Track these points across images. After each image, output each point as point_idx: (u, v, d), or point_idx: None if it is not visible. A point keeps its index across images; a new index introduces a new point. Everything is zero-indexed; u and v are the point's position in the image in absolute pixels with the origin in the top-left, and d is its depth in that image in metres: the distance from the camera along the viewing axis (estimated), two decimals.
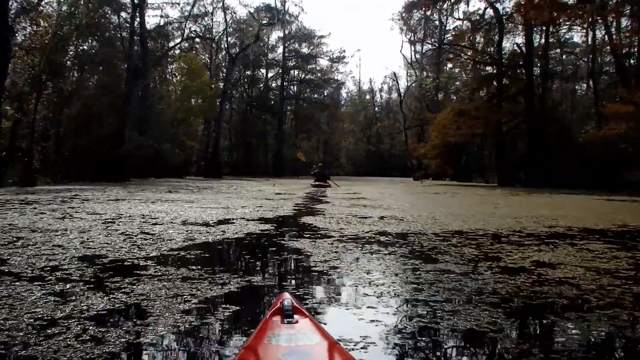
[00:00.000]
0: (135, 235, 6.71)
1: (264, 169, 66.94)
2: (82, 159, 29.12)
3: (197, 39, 60.12)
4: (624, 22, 38.00)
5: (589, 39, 46.21)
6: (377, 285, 4.25)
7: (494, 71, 43.39)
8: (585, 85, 50.02)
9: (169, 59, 50.58)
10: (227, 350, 2.85)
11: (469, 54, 45.71)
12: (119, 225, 7.82)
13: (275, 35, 72.90)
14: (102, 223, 8.00)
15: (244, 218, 9.40)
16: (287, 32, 72.23)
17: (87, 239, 6.30)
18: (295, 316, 2.12)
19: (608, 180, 31.59)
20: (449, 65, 62.91)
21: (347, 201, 15.49)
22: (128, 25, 39.65)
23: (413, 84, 73.30)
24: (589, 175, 33.85)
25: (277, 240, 6.90)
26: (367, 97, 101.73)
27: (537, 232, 8.24)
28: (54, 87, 29.40)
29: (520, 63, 40.35)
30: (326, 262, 5.20)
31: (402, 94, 71.97)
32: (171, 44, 50.35)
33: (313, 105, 78.79)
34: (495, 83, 42.37)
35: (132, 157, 34.52)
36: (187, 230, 7.36)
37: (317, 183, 29.78)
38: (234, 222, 8.66)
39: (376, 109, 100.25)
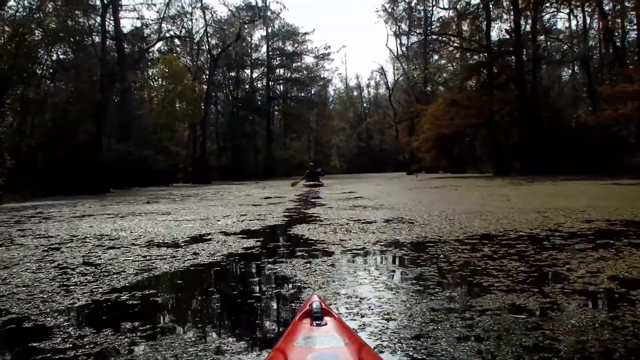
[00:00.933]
0: (74, 269, 5.13)
1: (255, 171, 65.46)
2: (57, 171, 27.37)
3: (177, 40, 59.00)
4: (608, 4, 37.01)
5: (573, 24, 45.29)
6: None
7: (484, 59, 42.13)
8: (570, 70, 48.76)
9: (148, 62, 49.01)
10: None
11: (456, 42, 44.32)
12: (63, 252, 6.26)
13: (258, 34, 71.63)
14: (44, 250, 6.43)
15: (224, 232, 7.86)
16: (270, 30, 70.89)
17: (6, 277, 4.75)
18: (325, 318, 2.10)
19: (606, 164, 30.35)
20: (436, 56, 62.14)
21: (343, 202, 13.98)
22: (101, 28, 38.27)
23: (401, 78, 71.92)
24: (585, 160, 32.66)
25: (261, 263, 5.32)
26: (355, 93, 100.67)
27: (578, 230, 6.79)
28: (20, 95, 27.72)
29: (510, 49, 39.05)
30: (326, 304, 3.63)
31: (391, 88, 70.34)
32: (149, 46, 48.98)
33: (301, 103, 77.46)
34: (485, 71, 41.01)
35: (112, 167, 32.97)
36: (147, 256, 5.79)
37: (309, 183, 28.69)
38: (210, 239, 7.09)
39: (364, 104, 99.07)
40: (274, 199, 16.54)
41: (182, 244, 6.65)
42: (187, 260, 5.49)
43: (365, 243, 6.23)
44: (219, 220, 9.71)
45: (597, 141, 32.55)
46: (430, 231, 7.06)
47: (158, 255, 5.79)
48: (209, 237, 7.32)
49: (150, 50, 49.92)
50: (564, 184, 20.36)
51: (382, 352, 2.67)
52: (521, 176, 31.45)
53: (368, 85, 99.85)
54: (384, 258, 5.37)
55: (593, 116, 33.61)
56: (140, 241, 7.02)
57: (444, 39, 46.77)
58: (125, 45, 43.29)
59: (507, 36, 40.24)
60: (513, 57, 38.92)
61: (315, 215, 10.29)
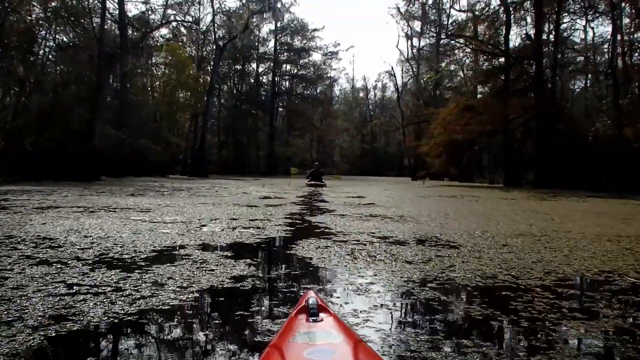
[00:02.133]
0: None
1: (255, 167, 63.96)
2: (47, 155, 25.56)
3: (182, 29, 57.23)
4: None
5: (589, 36, 43.34)
6: None
7: (499, 64, 40.25)
8: (584, 82, 46.67)
9: (151, 48, 47.13)
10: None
11: (473, 45, 42.35)
12: None
13: (267, 28, 69.77)
14: None
15: (205, 245, 5.96)
16: (278, 24, 68.91)
17: None
18: (321, 314, 2.08)
19: (626, 181, 28.52)
20: (447, 60, 60.26)
21: (354, 209, 12.05)
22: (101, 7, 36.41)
23: (410, 80, 70.08)
24: (603, 175, 30.79)
25: (252, 317, 3.30)
26: (361, 94, 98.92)
27: None
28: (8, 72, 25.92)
29: (530, 55, 37.12)
30: None
31: (400, 90, 68.43)
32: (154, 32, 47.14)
33: (305, 101, 75.64)
34: (502, 77, 39.08)
35: (105, 154, 31.18)
36: (78, 284, 3.85)
37: (312, 182, 28.44)
38: (184, 256, 5.18)
39: (370, 106, 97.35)
40: (274, 200, 14.62)
41: (144, 264, 4.71)
42: (138, 300, 3.50)
43: (406, 282, 4.25)
44: (204, 226, 7.79)
45: (617, 157, 30.75)
46: (493, 265, 5.06)
47: (95, 285, 3.82)
48: (185, 252, 5.40)
49: (152, 34, 48.07)
50: (593, 200, 18.42)
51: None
52: (535, 189, 29.59)
53: (375, 87, 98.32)
54: (447, 324, 3.22)
55: (616, 130, 31.81)
56: (88, 254, 5.08)
57: (460, 41, 44.61)
58: (130, 31, 41.61)
59: (527, 41, 38.28)
60: (532, 64, 37.03)
61: (324, 226, 8.34)
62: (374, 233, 7.34)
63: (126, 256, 5.06)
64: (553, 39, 37.00)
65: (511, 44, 40.12)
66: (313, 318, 2.05)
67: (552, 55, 36.99)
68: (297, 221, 9.07)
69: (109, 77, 34.41)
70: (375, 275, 4.48)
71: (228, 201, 13.32)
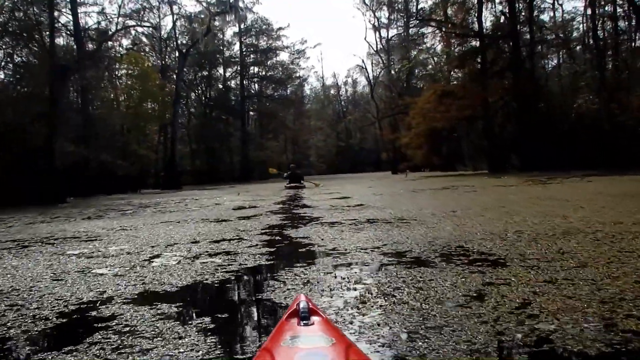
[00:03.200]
0: None
1: (230, 174, 61.96)
2: (2, 179, 23.58)
3: (144, 38, 55.19)
4: None
5: (558, 15, 42.01)
6: None
7: (474, 47, 38.83)
8: (560, 58, 45.18)
9: (110, 59, 44.97)
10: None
11: (445, 29, 40.78)
12: None
13: (231, 31, 67.89)
14: None
15: (146, 293, 4.17)
16: (242, 25, 67.06)
17: None
18: (312, 318, 2.05)
19: (615, 158, 27.26)
20: (419, 48, 58.96)
21: (342, 212, 10.29)
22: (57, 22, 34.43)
23: (382, 72, 68.57)
24: (590, 153, 29.42)
25: None
26: (332, 92, 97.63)
27: None
28: None
29: (505, 35, 35.68)
30: None
31: (372, 83, 66.83)
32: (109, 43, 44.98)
33: (276, 102, 73.82)
34: (479, 59, 37.62)
35: (69, 173, 29.25)
36: None
37: (291, 185, 27.45)
38: (105, 320, 3.36)
39: (342, 103, 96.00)
40: (249, 210, 12.78)
41: (27, 350, 2.94)
42: None
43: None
44: (156, 257, 5.96)
45: (605, 133, 29.44)
46: (585, 296, 3.29)
47: None
48: (110, 312, 3.56)
49: (112, 45, 46.00)
50: (597, 180, 16.89)
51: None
52: (522, 173, 28.11)
53: (345, 83, 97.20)
54: None
55: (601, 105, 30.54)
56: None
57: (432, 25, 42.94)
58: (89, 43, 39.75)
59: (503, 20, 36.86)
60: (508, 43, 35.62)
61: (311, 242, 6.56)
62: (378, 248, 5.59)
63: (11, 331, 3.26)
64: (527, 16, 35.61)
65: (487, 24, 38.82)
66: (304, 322, 2.01)
67: (529, 33, 35.61)
68: (277, 238, 7.24)
69: (66, 91, 32.39)
70: (413, 344, 2.70)
71: (195, 217, 11.50)
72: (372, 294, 3.62)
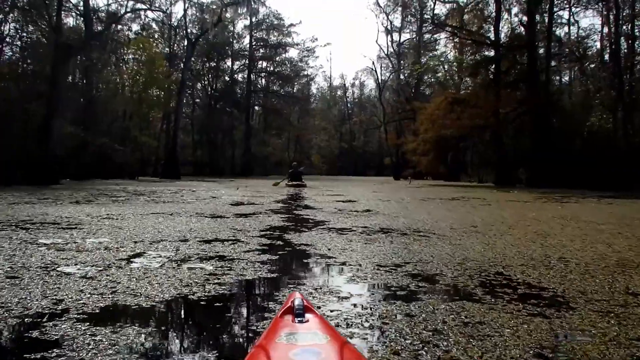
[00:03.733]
0: None
1: (231, 168, 61.20)
2: None
3: (153, 24, 54.30)
4: None
5: (573, 30, 41.03)
6: None
7: (487, 56, 37.95)
8: (572, 74, 44.10)
9: (119, 41, 44.04)
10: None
11: (460, 36, 39.80)
12: None
13: (242, 23, 67.02)
14: None
15: (113, 307, 3.31)
16: (254, 19, 66.19)
17: None
18: (306, 315, 2.04)
19: (631, 181, 26.37)
20: (430, 54, 58.10)
21: (349, 218, 9.38)
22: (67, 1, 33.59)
23: (391, 76, 67.62)
24: (603, 173, 28.44)
25: None
26: (339, 93, 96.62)
27: None
28: None
29: (522, 45, 34.71)
30: None
31: (381, 86, 65.86)
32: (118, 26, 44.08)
33: (282, 99, 72.79)
34: (492, 68, 36.70)
35: (65, 155, 28.49)
36: None
37: (292, 183, 27.44)
38: (43, 351, 2.50)
39: (348, 105, 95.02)
40: (247, 207, 11.87)
41: None
42: None
43: None
44: (137, 256, 5.08)
45: (617, 154, 28.51)
46: None
47: None
48: (61, 334, 2.68)
49: (120, 29, 45.05)
50: (619, 202, 15.96)
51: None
52: (530, 188, 27.23)
53: (353, 85, 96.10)
54: None
55: (619, 125, 29.69)
56: None
57: (446, 32, 41.93)
58: (98, 24, 38.88)
59: (521, 29, 35.92)
60: (524, 54, 34.65)
61: (318, 252, 5.66)
62: (399, 267, 4.70)
63: None
64: (547, 26, 34.66)
65: (503, 34, 37.95)
66: (299, 319, 1.99)
67: (546, 44, 34.67)
68: (278, 243, 6.33)
69: (68, 71, 31.49)
70: None
71: (190, 210, 10.61)
72: (405, 338, 2.73)
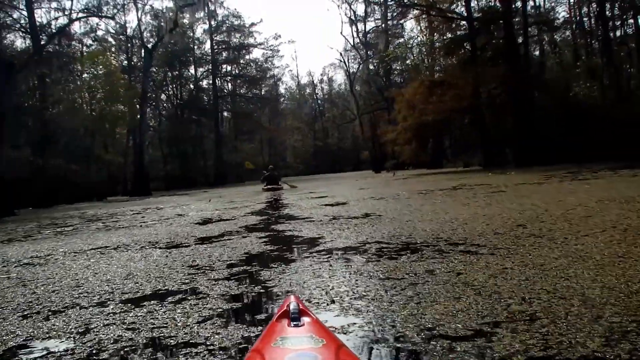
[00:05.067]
0: None
1: (204, 178, 58.76)
2: None
3: (109, 38, 51.99)
4: None
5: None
6: None
7: (460, 35, 35.94)
8: (542, 45, 42.34)
9: (70, 57, 41.55)
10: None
11: (431, 14, 37.61)
12: None
13: (201, 28, 64.83)
14: None
15: None
16: (213, 22, 63.99)
17: None
18: (302, 319, 2.03)
19: (626, 149, 24.46)
20: (398, 41, 56.31)
21: (349, 229, 7.06)
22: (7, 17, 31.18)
23: (360, 67, 65.51)
24: (594, 145, 26.54)
25: None
26: (308, 90, 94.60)
27: None
28: None
29: (496, 17, 32.70)
30: None
31: (352, 78, 63.74)
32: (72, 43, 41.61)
33: (251, 101, 70.40)
34: (468, 46, 34.67)
35: (18, 183, 26.12)
36: None
37: (268, 187, 26.14)
38: None
39: (319, 102, 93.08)
40: (216, 226, 9.51)
41: None
42: None
43: None
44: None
45: (609, 122, 26.60)
46: None
47: None
48: None
49: (70, 40, 42.60)
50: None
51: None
52: (525, 168, 25.21)
53: (321, 82, 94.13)
54: None
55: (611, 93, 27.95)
56: None
57: (418, 9, 39.55)
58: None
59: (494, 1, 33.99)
60: (500, 27, 32.66)
61: (324, 305, 3.42)
62: (492, 335, 2.53)
63: None
64: None
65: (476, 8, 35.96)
66: (295, 323, 2.00)
67: (522, 15, 32.73)
68: (255, 291, 3.99)
69: (13, 91, 28.95)
70: None
71: (142, 238, 8.28)
72: None
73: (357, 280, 3.96)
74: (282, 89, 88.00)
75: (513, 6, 32.36)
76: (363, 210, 9.87)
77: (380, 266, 4.38)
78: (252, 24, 66.99)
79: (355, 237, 6.28)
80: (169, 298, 3.88)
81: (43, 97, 36.04)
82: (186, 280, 4.49)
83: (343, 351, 1.81)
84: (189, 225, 9.90)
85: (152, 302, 3.80)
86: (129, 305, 3.77)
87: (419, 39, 48.16)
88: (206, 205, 17.08)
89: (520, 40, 32.61)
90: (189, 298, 3.84)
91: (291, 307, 2.08)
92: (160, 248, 6.85)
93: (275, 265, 4.90)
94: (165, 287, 4.29)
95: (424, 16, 41.02)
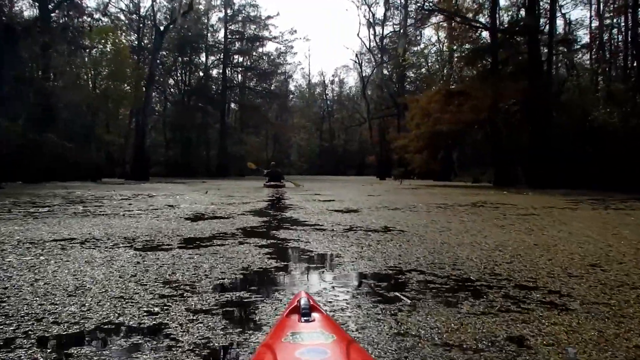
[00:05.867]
0: None
1: (206, 168, 57.63)
2: None
3: (121, 16, 50.67)
4: None
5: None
6: None
7: (482, 45, 34.54)
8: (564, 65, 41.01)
9: (79, 30, 40.15)
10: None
11: (454, 20, 36.19)
12: None
13: (216, 16, 63.48)
14: None
15: None
16: (229, 11, 62.68)
17: None
18: (312, 314, 1.96)
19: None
20: (415, 49, 55.08)
21: (372, 246, 5.70)
22: None
23: (374, 70, 64.28)
24: (614, 171, 25.27)
25: None
26: (318, 90, 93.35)
27: None
28: None
29: (523, 30, 31.29)
30: None
31: (366, 80, 62.44)
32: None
33: (260, 95, 69.01)
34: (490, 59, 33.25)
35: (9, 156, 24.91)
36: None
37: (271, 183, 25.78)
38: None
39: (328, 102, 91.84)
40: (209, 223, 8.11)
41: None
42: None
43: None
44: None
45: (631, 148, 25.31)
46: None
47: None
48: None
49: (81, 15, 41.23)
50: None
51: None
52: (538, 189, 23.95)
53: (332, 83, 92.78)
54: None
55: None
56: None
57: (443, 14, 38.10)
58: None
59: (521, 13, 32.54)
60: (524, 40, 31.29)
61: None
62: None
63: None
64: (549, 9, 31.38)
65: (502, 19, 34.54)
66: (305, 318, 1.93)
67: (549, 30, 31.31)
68: (255, 343, 2.66)
69: (15, 60, 27.63)
70: None
71: (119, 231, 6.93)
72: None
73: (406, 346, 2.60)
74: (292, 86, 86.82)
75: (541, 22, 30.95)
76: (380, 222, 8.51)
77: (435, 319, 3.01)
78: (269, 17, 65.86)
79: (383, 260, 4.91)
80: (118, 341, 2.55)
81: (46, 68, 34.65)
82: (154, 309, 3.15)
83: (353, 347, 1.72)
84: (177, 220, 8.54)
85: (88, 348, 2.46)
86: (50, 352, 2.43)
87: (436, 47, 47.03)
88: (202, 197, 15.74)
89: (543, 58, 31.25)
90: (147, 345, 2.50)
91: (302, 302, 2.00)
92: (134, 248, 5.49)
93: (282, 296, 3.54)
94: (120, 319, 2.94)
95: (444, 24, 39.70)
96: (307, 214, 10.24)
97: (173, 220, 8.58)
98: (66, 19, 38.75)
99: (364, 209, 11.37)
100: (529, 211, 11.20)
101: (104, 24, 46.01)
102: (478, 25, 34.19)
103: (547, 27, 31.70)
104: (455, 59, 38.49)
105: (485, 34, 34.28)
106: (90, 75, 40.97)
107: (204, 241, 6.12)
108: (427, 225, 8.12)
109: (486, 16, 34.01)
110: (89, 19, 43.18)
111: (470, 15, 34.72)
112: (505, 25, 33.77)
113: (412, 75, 60.21)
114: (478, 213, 10.67)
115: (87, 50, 41.26)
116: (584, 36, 41.39)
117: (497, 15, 33.60)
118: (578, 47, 37.22)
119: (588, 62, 38.82)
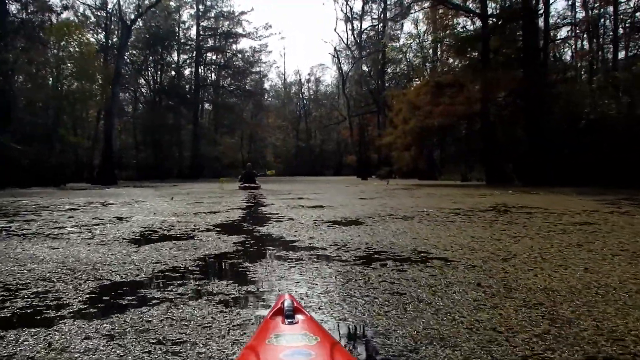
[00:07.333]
0: None
1: (179, 170, 55.29)
2: None
3: (88, 12, 47.94)
4: None
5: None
6: None
7: (471, 34, 32.40)
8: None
9: (39, 27, 37.38)
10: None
11: (441, 9, 33.97)
12: None
13: (187, 13, 60.93)
14: None
15: None
16: (200, 7, 60.22)
17: None
18: (296, 316, 2.00)
19: None
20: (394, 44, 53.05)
21: (396, 286, 3.30)
22: None
23: (353, 66, 62.26)
24: (614, 167, 23.30)
25: None
26: (294, 89, 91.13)
27: None
28: None
29: (518, 16, 29.13)
30: None
31: (344, 76, 60.31)
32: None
33: (234, 94, 66.54)
34: (480, 47, 31.06)
35: None
36: None
37: (245, 185, 24.71)
38: None
39: (304, 101, 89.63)
40: (159, 250, 5.56)
41: None
42: None
43: None
44: None
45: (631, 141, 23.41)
46: None
47: None
48: None
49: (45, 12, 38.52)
50: None
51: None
52: (532, 187, 21.97)
53: (308, 81, 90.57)
54: None
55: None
56: None
57: (420, 5, 35.94)
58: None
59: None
60: (518, 27, 29.19)
61: None
62: None
63: None
64: None
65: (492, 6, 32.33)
66: (289, 320, 1.96)
67: (544, 15, 29.17)
68: None
69: None
70: None
71: (5, 268, 4.47)
72: None
73: None
74: (267, 85, 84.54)
75: (535, 5, 28.76)
76: (401, 241, 6.05)
77: None
78: (242, 13, 63.56)
79: (453, 336, 2.48)
80: None
81: (1, 63, 31.91)
82: None
83: (337, 349, 1.74)
84: (114, 243, 6.00)
85: None
86: None
87: (416, 42, 45.20)
88: (165, 204, 13.20)
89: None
90: None
91: (285, 304, 2.02)
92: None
93: None
94: None
95: (428, 13, 37.54)
96: (295, 228, 7.72)
97: (108, 244, 6.02)
98: (26, 14, 36.12)
99: (366, 219, 8.88)
100: (580, 218, 8.79)
101: (68, 19, 43.28)
102: (468, 10, 31.92)
103: (543, 11, 29.60)
104: (444, 49, 36.18)
105: (472, 23, 31.99)
106: (52, 73, 38.27)
107: (129, 295, 3.61)
108: (472, 246, 5.65)
109: (477, 1, 31.76)
110: (51, 15, 40.39)
111: (458, 1, 32.52)
112: (497, 11, 31.55)
113: (391, 72, 58.43)
114: (516, 222, 8.23)
115: (49, 46, 38.46)
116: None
117: (486, 2, 31.41)
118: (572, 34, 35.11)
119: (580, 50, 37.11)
